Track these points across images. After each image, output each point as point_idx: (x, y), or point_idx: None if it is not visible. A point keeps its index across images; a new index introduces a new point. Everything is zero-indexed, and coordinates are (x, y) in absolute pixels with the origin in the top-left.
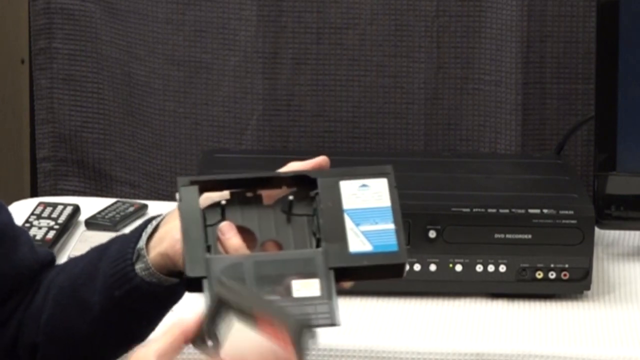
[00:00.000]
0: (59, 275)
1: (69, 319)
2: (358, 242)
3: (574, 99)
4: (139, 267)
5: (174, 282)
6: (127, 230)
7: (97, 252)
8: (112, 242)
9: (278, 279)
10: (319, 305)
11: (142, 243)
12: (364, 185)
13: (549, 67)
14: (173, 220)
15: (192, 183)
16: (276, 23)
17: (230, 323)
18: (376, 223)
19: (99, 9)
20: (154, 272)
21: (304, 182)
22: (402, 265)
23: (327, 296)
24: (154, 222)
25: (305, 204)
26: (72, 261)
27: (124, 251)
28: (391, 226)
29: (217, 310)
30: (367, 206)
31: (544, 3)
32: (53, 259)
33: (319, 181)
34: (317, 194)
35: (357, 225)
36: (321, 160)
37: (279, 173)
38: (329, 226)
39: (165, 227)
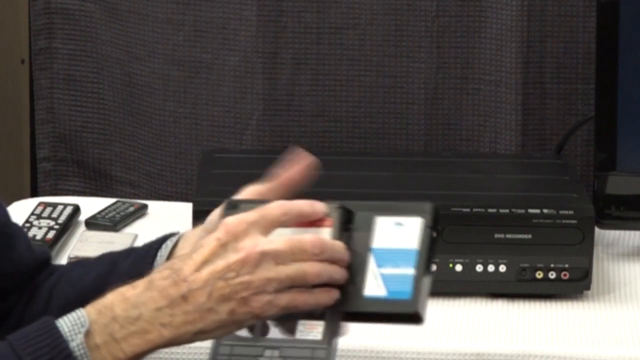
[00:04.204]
0: (63, 284)
1: None
2: (374, 285)
3: (574, 99)
4: None
5: None
6: (127, 230)
7: (107, 266)
8: (121, 256)
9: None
10: (317, 350)
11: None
12: (398, 224)
13: (549, 67)
14: (191, 243)
15: (236, 206)
16: (276, 23)
17: None
18: (398, 266)
19: (99, 9)
20: None
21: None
22: (415, 314)
23: (327, 341)
24: (170, 243)
25: (339, 236)
26: (77, 269)
27: (139, 271)
28: (411, 271)
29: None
30: (394, 246)
31: (544, 3)
32: (49, 257)
33: (356, 215)
34: (353, 229)
35: (379, 266)
36: (284, 179)
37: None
38: (353, 267)
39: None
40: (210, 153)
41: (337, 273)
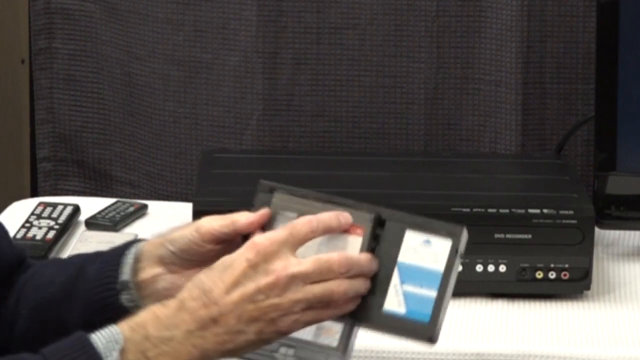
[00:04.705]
0: (33, 285)
1: (47, 335)
2: (395, 301)
3: (574, 99)
4: (124, 297)
5: None
6: (127, 230)
7: (75, 270)
8: (89, 260)
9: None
10: (331, 357)
11: (126, 275)
12: (427, 242)
13: (549, 67)
14: (152, 258)
15: (271, 190)
16: (276, 23)
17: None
18: (421, 286)
19: (99, 9)
20: (140, 305)
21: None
22: (430, 337)
23: (342, 349)
24: (133, 249)
25: (368, 246)
26: (47, 270)
27: (105, 277)
28: (433, 294)
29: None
30: (420, 264)
31: (544, 3)
32: (26, 256)
33: (387, 225)
34: (382, 235)
35: (402, 282)
36: (262, 216)
37: (357, 204)
38: (377, 276)
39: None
40: (210, 153)
41: (362, 287)
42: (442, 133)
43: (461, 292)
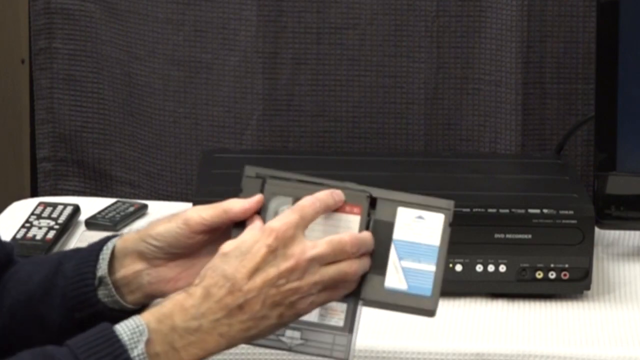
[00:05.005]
0: (14, 282)
1: (26, 331)
2: (395, 278)
3: (574, 99)
4: (102, 293)
5: (138, 309)
6: (127, 230)
7: (52, 266)
8: (66, 257)
9: None
10: (337, 336)
11: (103, 271)
12: (420, 217)
13: (549, 67)
14: (129, 248)
15: (259, 176)
16: (276, 23)
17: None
18: (419, 261)
19: (99, 9)
20: (118, 300)
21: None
22: (431, 311)
23: (348, 329)
24: (110, 245)
25: (366, 225)
26: (28, 267)
27: (82, 273)
28: (432, 268)
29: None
30: (416, 240)
31: (544, 3)
32: (13, 252)
33: (379, 203)
34: (373, 214)
35: (400, 259)
36: (256, 202)
37: (345, 185)
38: (374, 254)
39: (131, 267)
40: (210, 153)
41: (368, 264)
42: (442, 133)
43: (461, 292)
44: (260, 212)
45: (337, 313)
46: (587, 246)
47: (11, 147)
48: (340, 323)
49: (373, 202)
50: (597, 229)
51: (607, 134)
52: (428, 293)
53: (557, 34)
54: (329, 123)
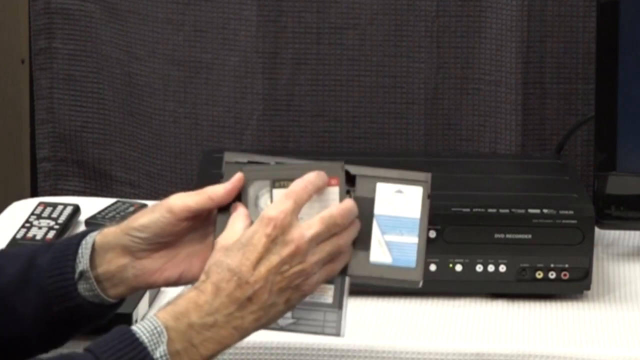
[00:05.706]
0: None
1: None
2: (380, 252)
3: (574, 99)
4: (82, 287)
5: (117, 302)
6: None
7: (25, 260)
8: (40, 250)
9: None
10: (328, 313)
11: (84, 265)
12: (399, 191)
13: (549, 67)
14: (111, 243)
15: (237, 163)
16: (276, 23)
17: (267, 193)
18: (401, 234)
19: (99, 9)
20: (99, 294)
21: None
22: (416, 281)
23: (337, 305)
24: (89, 239)
25: (344, 195)
26: None
27: (61, 267)
28: (415, 240)
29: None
30: (397, 214)
31: (544, 3)
32: None
33: (358, 180)
34: (353, 192)
35: (383, 233)
36: (238, 180)
37: (321, 164)
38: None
39: (115, 262)
40: (210, 153)
41: (356, 231)
42: (442, 133)
43: (461, 292)
44: (241, 198)
45: (325, 291)
46: (587, 246)
47: (11, 147)
48: (330, 300)
49: (352, 179)
50: (597, 229)
51: (607, 134)
52: (412, 264)
53: (557, 34)
54: (329, 123)
